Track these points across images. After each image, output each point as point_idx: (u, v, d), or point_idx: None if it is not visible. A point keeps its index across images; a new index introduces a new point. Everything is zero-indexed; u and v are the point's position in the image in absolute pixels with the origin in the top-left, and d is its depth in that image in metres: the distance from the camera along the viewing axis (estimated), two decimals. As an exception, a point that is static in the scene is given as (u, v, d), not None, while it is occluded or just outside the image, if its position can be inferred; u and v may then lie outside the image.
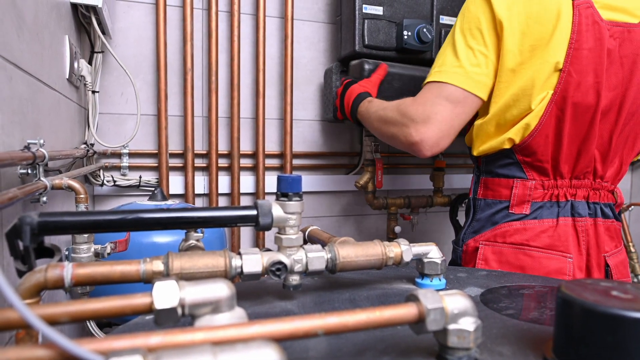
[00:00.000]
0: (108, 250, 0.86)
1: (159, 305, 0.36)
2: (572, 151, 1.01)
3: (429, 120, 0.98)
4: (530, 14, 0.95)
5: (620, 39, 0.97)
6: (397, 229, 1.92)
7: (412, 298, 0.40)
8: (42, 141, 0.82)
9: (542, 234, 1.02)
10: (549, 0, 0.95)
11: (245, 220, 0.54)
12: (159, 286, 0.37)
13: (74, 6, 1.33)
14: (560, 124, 0.98)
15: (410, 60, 1.77)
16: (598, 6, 0.96)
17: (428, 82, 1.03)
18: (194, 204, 1.74)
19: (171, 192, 1.73)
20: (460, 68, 0.98)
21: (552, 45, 0.95)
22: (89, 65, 1.48)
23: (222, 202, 1.82)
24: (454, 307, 0.40)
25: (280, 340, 0.35)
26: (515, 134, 1.00)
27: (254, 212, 0.53)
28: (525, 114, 0.99)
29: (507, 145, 1.02)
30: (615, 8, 0.98)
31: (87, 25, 1.47)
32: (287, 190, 0.57)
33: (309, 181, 1.92)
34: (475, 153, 1.10)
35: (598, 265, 1.04)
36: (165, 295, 0.37)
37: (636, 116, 1.04)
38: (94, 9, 1.34)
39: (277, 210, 0.55)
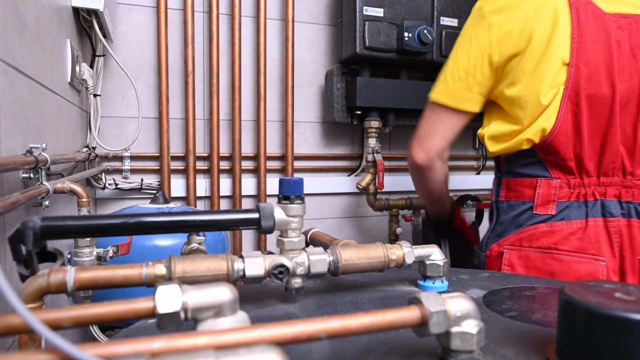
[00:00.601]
0: (110, 253, 0.86)
1: (162, 309, 0.36)
2: (595, 146, 0.97)
3: (423, 143, 1.11)
4: (525, 22, 0.97)
5: (628, 30, 0.96)
6: (399, 230, 1.92)
7: (414, 301, 0.40)
8: (44, 145, 0.82)
9: (570, 236, 0.97)
10: (543, 4, 0.96)
11: (247, 223, 0.54)
12: (161, 290, 0.37)
13: (76, 10, 1.34)
14: (577, 119, 0.95)
15: (411, 62, 1.77)
16: (598, 1, 0.95)
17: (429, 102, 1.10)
18: (195, 206, 1.74)
19: (173, 194, 1.73)
20: (446, 86, 1.06)
21: (553, 44, 0.95)
22: (90, 69, 1.48)
23: (224, 204, 1.82)
24: (456, 309, 0.40)
25: (283, 344, 0.35)
26: (534, 134, 0.97)
27: (256, 215, 0.53)
28: (539, 113, 0.97)
29: (527, 146, 1.00)
30: (617, 1, 0.97)
31: (88, 29, 1.47)
32: (289, 193, 0.56)
33: (311, 183, 1.92)
34: (491, 152, 1.08)
35: (632, 269, 0.98)
36: (168, 299, 0.37)
37: None
38: (95, 12, 1.35)
39: (279, 214, 0.55)
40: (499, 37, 0.98)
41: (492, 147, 1.05)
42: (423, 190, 1.20)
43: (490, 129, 1.05)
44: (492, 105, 1.07)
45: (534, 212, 1.00)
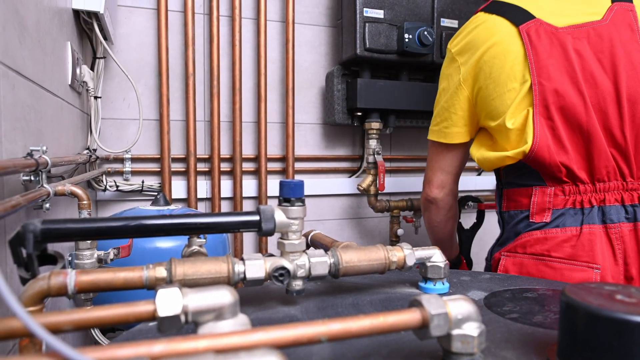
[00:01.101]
0: (111, 256, 0.86)
1: (163, 312, 0.36)
2: (581, 154, 0.97)
3: (430, 183, 1.19)
4: (482, 58, 1.02)
5: (586, 38, 0.96)
6: (400, 231, 1.91)
7: (415, 303, 0.40)
8: (44, 148, 0.82)
9: (564, 243, 0.96)
10: (497, 39, 1.00)
11: (247, 225, 0.54)
12: (162, 294, 0.37)
13: (76, 12, 1.34)
14: (556, 132, 0.96)
15: (412, 64, 1.77)
16: (549, 19, 0.97)
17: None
18: (196, 208, 1.74)
19: (174, 196, 1.73)
20: (436, 126, 1.15)
21: (511, 71, 0.98)
22: (91, 71, 1.48)
23: (225, 206, 1.82)
24: (457, 312, 0.40)
25: (284, 347, 0.35)
26: (516, 154, 0.99)
27: (257, 218, 0.53)
28: (519, 137, 0.99)
29: (510, 162, 1.02)
30: (568, 14, 0.98)
31: (89, 31, 1.48)
32: (290, 196, 0.57)
33: (311, 184, 1.92)
34: (485, 169, 1.10)
35: (639, 275, 0.96)
36: (169, 302, 0.37)
37: None
38: (95, 15, 1.35)
39: (279, 216, 0.55)
40: (465, 75, 1.06)
41: (484, 167, 1.09)
42: (431, 228, 1.27)
43: (480, 152, 1.08)
44: (481, 130, 1.12)
45: (530, 220, 1.01)
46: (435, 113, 1.16)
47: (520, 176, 1.03)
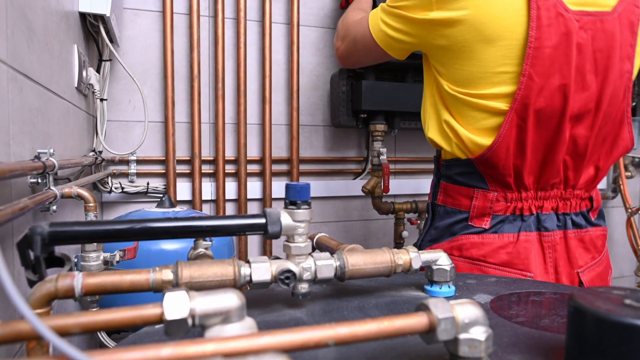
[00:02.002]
0: (117, 258, 0.86)
1: (170, 316, 0.37)
2: (537, 161, 0.91)
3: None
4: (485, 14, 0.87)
5: (592, 30, 0.86)
6: (405, 233, 1.91)
7: (422, 307, 0.40)
8: (51, 150, 0.83)
9: (500, 249, 0.93)
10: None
11: (254, 228, 0.54)
12: (169, 297, 0.37)
13: (82, 15, 1.35)
14: (522, 134, 0.88)
15: (417, 65, 1.76)
16: None
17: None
18: (201, 210, 1.75)
19: (178, 198, 1.73)
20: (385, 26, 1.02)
21: (504, 47, 0.85)
22: (97, 74, 1.49)
23: (229, 208, 1.83)
24: (464, 316, 0.40)
25: (291, 351, 0.35)
26: (472, 144, 0.91)
27: (263, 221, 0.53)
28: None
29: (463, 156, 0.95)
30: (581, 1, 0.86)
31: (95, 34, 1.48)
32: (296, 199, 0.57)
33: (316, 186, 1.92)
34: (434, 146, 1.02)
35: (571, 283, 0.95)
36: (176, 306, 0.37)
37: (613, 117, 0.93)
38: (102, 18, 1.36)
39: (285, 219, 0.55)
40: (435, 24, 0.94)
41: (432, 144, 1.02)
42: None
43: (432, 131, 1.00)
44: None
45: (469, 223, 0.96)
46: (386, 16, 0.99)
47: (462, 174, 0.97)
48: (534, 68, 0.84)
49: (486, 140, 0.90)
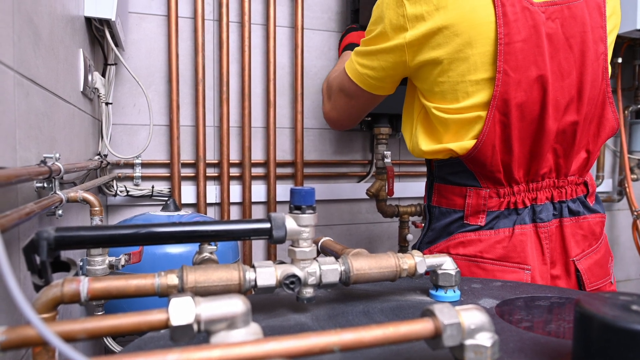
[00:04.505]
0: (122, 262, 0.86)
1: (175, 321, 0.37)
2: (524, 154, 0.92)
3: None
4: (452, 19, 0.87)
5: (560, 18, 0.87)
6: (409, 236, 1.91)
7: (428, 313, 0.40)
8: (57, 155, 0.83)
9: (496, 244, 0.93)
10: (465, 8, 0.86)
11: (258, 233, 0.54)
12: (174, 302, 0.38)
13: (88, 20, 1.35)
14: (506, 130, 0.88)
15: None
16: None
17: None
18: (205, 213, 1.75)
19: (183, 201, 1.74)
20: (360, 67, 1.03)
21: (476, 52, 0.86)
22: (102, 78, 1.50)
23: (234, 211, 1.83)
24: (470, 322, 0.39)
25: (296, 357, 0.35)
26: (458, 147, 0.91)
27: (268, 226, 0.54)
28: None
29: (442, 157, 0.95)
30: None
31: (100, 38, 1.49)
32: (301, 203, 0.57)
33: (321, 190, 1.92)
34: (409, 148, 1.03)
35: (567, 273, 0.95)
36: (181, 311, 0.37)
37: (596, 99, 0.93)
38: (107, 22, 1.37)
39: (290, 224, 0.55)
40: (412, 40, 0.94)
41: (414, 154, 1.02)
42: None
43: (413, 141, 1.01)
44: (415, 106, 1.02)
45: (464, 221, 0.96)
46: (362, 52, 1.00)
47: (454, 174, 0.97)
48: (508, 64, 0.85)
49: (471, 142, 0.90)
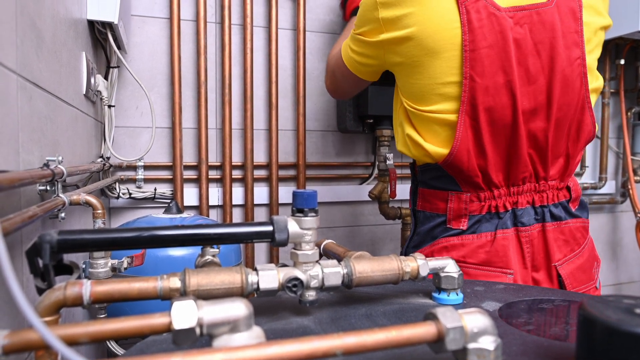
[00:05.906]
0: (125, 264, 0.87)
1: (178, 325, 0.37)
2: (501, 158, 0.93)
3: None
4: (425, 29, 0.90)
5: (529, 24, 0.87)
6: (412, 239, 1.90)
7: (431, 317, 0.40)
8: (60, 158, 0.83)
9: (479, 249, 0.94)
10: (433, 6, 0.87)
11: (261, 236, 0.54)
12: (177, 306, 0.38)
13: (91, 23, 1.36)
14: (478, 135, 0.90)
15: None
16: None
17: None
18: (208, 215, 1.75)
19: (185, 203, 1.74)
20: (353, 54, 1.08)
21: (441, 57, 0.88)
22: (105, 80, 1.50)
23: (236, 213, 1.83)
24: (473, 325, 0.39)
25: (299, 361, 0.35)
26: (434, 152, 0.94)
27: (270, 229, 0.54)
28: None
29: (430, 161, 0.97)
30: None
31: (103, 41, 1.50)
32: (303, 206, 0.57)
33: (323, 192, 1.92)
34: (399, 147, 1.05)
35: (550, 278, 0.95)
36: (184, 315, 0.37)
37: (574, 105, 0.93)
38: (110, 25, 1.37)
39: (292, 226, 0.55)
40: (386, 43, 1.00)
41: (403, 152, 1.04)
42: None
43: (402, 143, 1.03)
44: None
45: (447, 225, 0.97)
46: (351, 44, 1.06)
47: (435, 178, 0.99)
48: (474, 70, 0.86)
49: (446, 148, 0.92)
